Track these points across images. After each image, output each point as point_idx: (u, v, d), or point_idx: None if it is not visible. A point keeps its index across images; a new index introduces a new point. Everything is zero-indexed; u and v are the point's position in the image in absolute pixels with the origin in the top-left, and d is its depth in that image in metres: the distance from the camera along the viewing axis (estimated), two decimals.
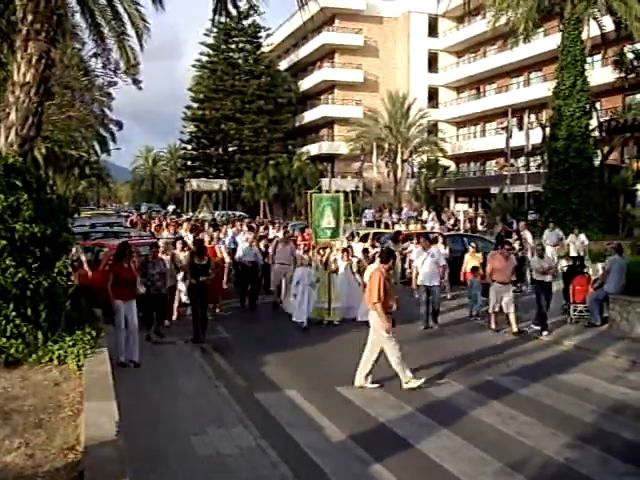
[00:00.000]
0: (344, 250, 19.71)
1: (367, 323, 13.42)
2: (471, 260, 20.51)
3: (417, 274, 18.36)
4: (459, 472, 8.39)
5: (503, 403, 11.35)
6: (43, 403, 8.34)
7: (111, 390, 8.48)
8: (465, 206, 65.76)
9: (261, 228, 30.76)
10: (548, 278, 17.50)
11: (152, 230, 29.56)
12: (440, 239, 21.81)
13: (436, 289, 18.22)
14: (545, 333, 16.79)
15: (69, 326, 10.75)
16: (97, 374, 9.24)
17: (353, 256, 19.91)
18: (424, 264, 18.08)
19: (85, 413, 7.63)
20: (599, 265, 18.79)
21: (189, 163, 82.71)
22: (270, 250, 21.88)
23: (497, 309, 17.46)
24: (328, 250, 19.24)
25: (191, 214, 54.95)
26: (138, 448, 8.36)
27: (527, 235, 24.82)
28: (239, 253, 21.46)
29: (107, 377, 9.10)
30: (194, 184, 70.73)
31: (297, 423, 10.14)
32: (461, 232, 35.63)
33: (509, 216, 40.29)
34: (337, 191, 24.68)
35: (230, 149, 77.85)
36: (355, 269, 19.18)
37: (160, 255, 16.37)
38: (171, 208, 67.56)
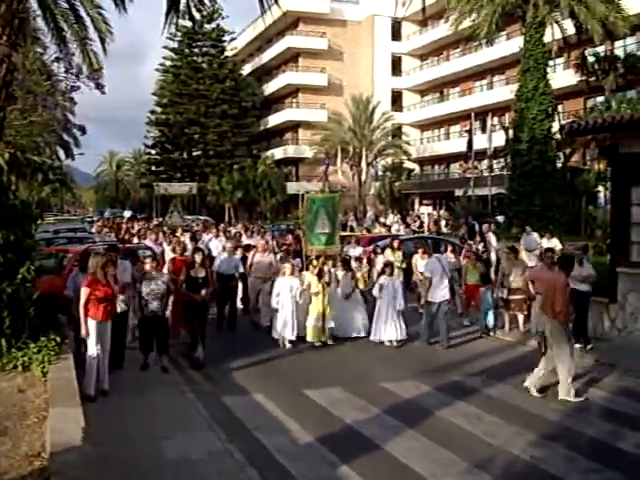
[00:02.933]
0: (344, 260, 17.59)
1: (357, 338, 13.72)
2: (472, 270, 18.54)
3: (428, 287, 16.34)
4: (426, 472, 8.44)
5: (469, 403, 11.45)
6: (8, 410, 8.29)
7: (76, 396, 8.45)
8: (429, 208, 66.11)
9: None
10: (585, 287, 15.35)
11: (124, 237, 28.46)
12: (450, 247, 21.10)
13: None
14: (589, 346, 15.23)
15: (33, 333, 10.68)
16: (62, 380, 9.20)
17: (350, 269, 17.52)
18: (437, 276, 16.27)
19: (50, 420, 7.59)
20: None
21: (153, 168, 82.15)
22: (249, 260, 19.06)
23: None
24: (322, 259, 16.76)
25: (160, 219, 54.21)
26: (105, 454, 8.31)
27: (491, 237, 24.79)
28: (216, 263, 18.09)
29: (72, 383, 9.06)
30: (162, 188, 68.15)
31: (264, 426, 10.13)
32: (425, 234, 35.68)
33: (471, 218, 40.54)
34: (333, 191, 24.17)
35: (195, 153, 77.52)
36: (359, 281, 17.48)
37: (150, 266, 13.68)
38: (127, 214, 64.46)
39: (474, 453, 9.10)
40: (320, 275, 16.41)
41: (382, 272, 16.88)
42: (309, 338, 16.08)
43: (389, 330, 16.10)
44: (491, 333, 17.47)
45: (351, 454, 9.00)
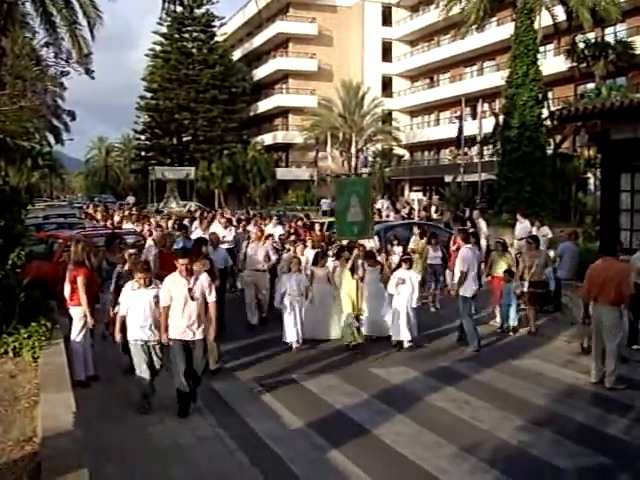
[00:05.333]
0: (368, 253, 15.73)
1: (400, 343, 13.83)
2: (500, 260, 16.75)
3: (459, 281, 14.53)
4: (415, 457, 8.51)
5: (458, 389, 11.51)
6: None
7: (67, 381, 8.46)
8: (419, 195, 66.17)
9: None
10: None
11: (114, 224, 27.90)
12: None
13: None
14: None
15: (24, 318, 10.69)
16: (53, 366, 9.21)
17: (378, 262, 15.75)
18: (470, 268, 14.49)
19: (41, 405, 7.61)
20: (551, 252, 18.77)
21: (143, 153, 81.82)
22: (242, 252, 17.25)
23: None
24: (355, 252, 14.82)
25: (156, 205, 53.69)
26: (95, 439, 8.33)
27: (482, 224, 24.69)
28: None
29: (63, 368, 9.08)
30: (158, 173, 66.40)
31: (254, 412, 10.18)
32: (415, 220, 35.71)
33: (462, 204, 40.57)
34: (358, 174, 22.43)
35: (184, 139, 77.21)
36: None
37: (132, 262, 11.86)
38: (131, 200, 62.75)
39: (462, 437, 9.17)
40: (353, 269, 14.70)
41: (399, 265, 15.19)
42: (345, 339, 14.47)
43: (407, 329, 14.39)
44: (511, 333, 15.93)
45: (341, 439, 9.05)
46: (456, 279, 14.77)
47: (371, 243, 17.57)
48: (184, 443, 8.73)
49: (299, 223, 24.89)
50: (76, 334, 11.21)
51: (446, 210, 36.70)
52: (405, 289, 14.49)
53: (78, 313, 11.21)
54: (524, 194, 33.81)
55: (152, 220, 26.16)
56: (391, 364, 13.14)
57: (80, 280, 11.09)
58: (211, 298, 10.08)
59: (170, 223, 25.49)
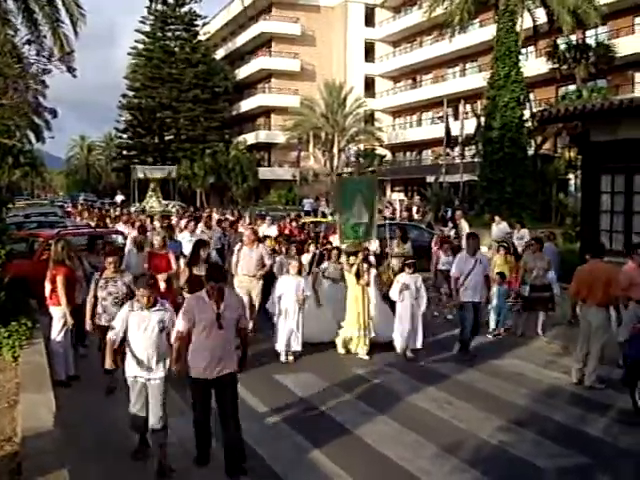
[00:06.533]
0: (366, 258, 14.47)
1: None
2: (502, 265, 16.56)
3: (458, 288, 13.66)
4: (397, 457, 8.53)
5: (439, 389, 11.54)
6: None
7: (48, 381, 8.43)
8: (401, 195, 66.26)
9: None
10: None
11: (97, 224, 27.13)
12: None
13: (479, 306, 14.04)
14: None
15: (4, 317, 10.64)
16: (33, 365, 9.18)
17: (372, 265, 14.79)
18: (471, 274, 13.55)
19: (22, 404, 7.57)
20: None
21: (125, 152, 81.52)
22: (234, 255, 15.52)
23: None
24: (360, 256, 13.95)
25: (138, 204, 53.36)
26: (76, 439, 8.29)
27: (463, 224, 24.71)
28: None
29: (43, 368, 9.05)
30: (140, 171, 63.43)
31: None
32: (397, 221, 35.75)
33: (443, 205, 40.68)
34: (362, 172, 21.60)
35: (167, 138, 77.05)
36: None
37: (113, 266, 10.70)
38: (119, 199, 62.00)
39: (444, 437, 9.19)
40: (359, 275, 13.83)
41: (401, 269, 14.22)
42: (354, 349, 13.77)
43: (414, 337, 13.59)
44: (500, 336, 15.62)
45: (322, 439, 9.05)
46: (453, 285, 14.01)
47: (373, 246, 15.74)
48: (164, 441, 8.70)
49: (293, 224, 24.39)
50: (56, 334, 10.94)
51: (428, 211, 36.78)
52: (409, 295, 13.45)
53: (58, 313, 10.96)
54: (505, 195, 33.99)
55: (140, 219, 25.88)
56: (373, 364, 13.14)
57: (59, 280, 10.88)
58: (245, 324, 8.45)
59: (157, 222, 24.46)
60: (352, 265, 14.00)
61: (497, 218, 23.26)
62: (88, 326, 10.63)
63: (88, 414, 9.60)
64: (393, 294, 13.62)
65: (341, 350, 13.81)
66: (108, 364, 8.33)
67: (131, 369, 8.04)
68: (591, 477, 8.24)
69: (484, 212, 33.64)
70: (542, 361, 13.50)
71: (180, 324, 7.93)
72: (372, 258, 15.07)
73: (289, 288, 13.26)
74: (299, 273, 13.66)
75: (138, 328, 7.99)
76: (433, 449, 8.84)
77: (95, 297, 10.44)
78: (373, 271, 14.47)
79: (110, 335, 8.19)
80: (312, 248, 16.58)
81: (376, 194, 15.23)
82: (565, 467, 8.41)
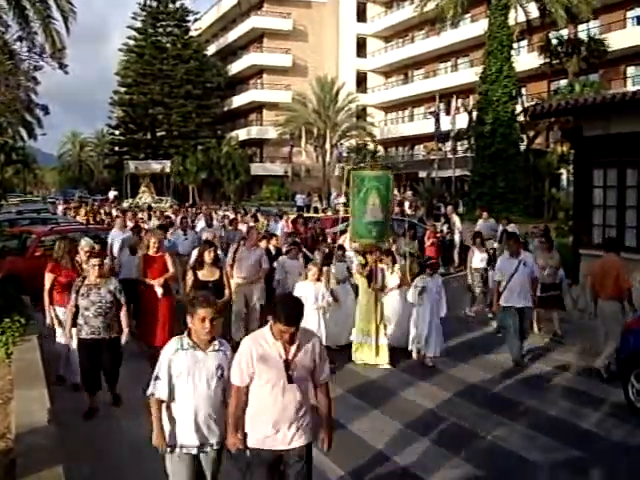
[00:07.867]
0: (389, 254, 13.71)
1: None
2: None
3: (500, 291, 12.98)
4: (389, 451, 8.56)
5: (432, 383, 11.58)
6: None
7: (42, 378, 8.41)
8: (394, 190, 66.18)
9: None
10: None
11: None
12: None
13: (528, 311, 13.34)
14: None
15: None
16: (27, 362, 9.15)
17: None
18: (514, 277, 12.74)
19: (15, 401, 7.55)
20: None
21: (117, 148, 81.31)
22: (229, 256, 14.04)
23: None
24: (375, 257, 12.91)
25: (130, 200, 53.25)
26: (70, 435, 8.27)
27: (455, 219, 24.89)
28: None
29: (37, 365, 9.02)
30: (132, 167, 64.86)
31: None
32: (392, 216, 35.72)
33: (435, 200, 40.69)
34: (371, 166, 20.71)
35: (158, 134, 76.76)
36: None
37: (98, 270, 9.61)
38: (112, 195, 61.31)
39: (437, 432, 9.23)
40: (371, 277, 12.81)
41: (421, 271, 13.59)
42: (360, 358, 12.78)
43: (433, 343, 12.77)
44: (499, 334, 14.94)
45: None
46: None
47: (385, 244, 14.22)
48: None
49: (299, 220, 23.35)
50: (60, 335, 10.45)
51: (420, 205, 36.80)
52: (428, 298, 12.73)
53: (62, 313, 10.35)
54: (497, 190, 34.04)
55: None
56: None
57: (46, 277, 10.56)
58: (326, 376, 6.04)
59: (154, 220, 24.23)
60: (364, 266, 13.00)
61: (485, 214, 22.89)
62: (65, 339, 10.05)
63: (81, 410, 9.58)
64: (412, 297, 12.89)
65: (360, 359, 12.76)
66: (158, 442, 5.89)
67: (174, 435, 5.89)
68: (584, 471, 8.24)
69: (475, 207, 33.68)
70: (535, 355, 13.52)
71: (236, 376, 5.67)
72: (397, 257, 14.21)
73: (308, 295, 11.72)
74: (318, 279, 12.37)
75: (189, 374, 5.77)
76: (426, 443, 8.85)
77: (76, 306, 9.41)
78: (397, 268, 13.68)
79: (151, 392, 5.86)
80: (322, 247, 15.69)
81: (392, 193, 14.36)
82: (558, 461, 8.40)
